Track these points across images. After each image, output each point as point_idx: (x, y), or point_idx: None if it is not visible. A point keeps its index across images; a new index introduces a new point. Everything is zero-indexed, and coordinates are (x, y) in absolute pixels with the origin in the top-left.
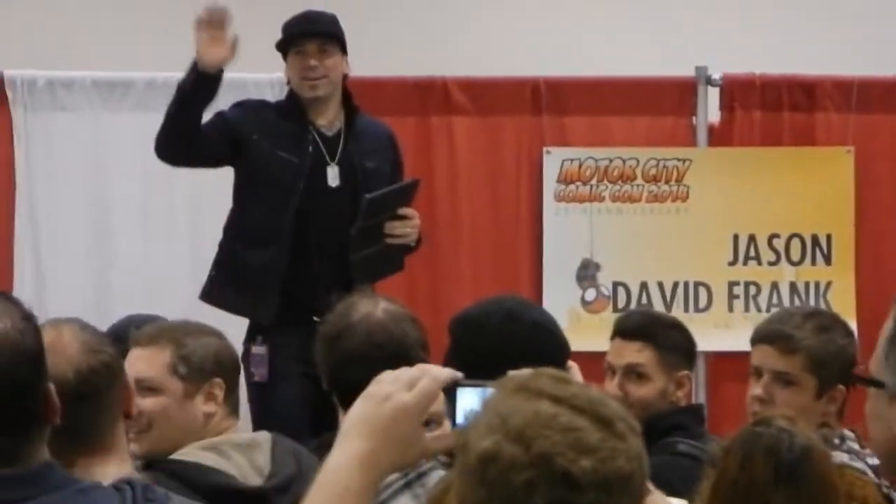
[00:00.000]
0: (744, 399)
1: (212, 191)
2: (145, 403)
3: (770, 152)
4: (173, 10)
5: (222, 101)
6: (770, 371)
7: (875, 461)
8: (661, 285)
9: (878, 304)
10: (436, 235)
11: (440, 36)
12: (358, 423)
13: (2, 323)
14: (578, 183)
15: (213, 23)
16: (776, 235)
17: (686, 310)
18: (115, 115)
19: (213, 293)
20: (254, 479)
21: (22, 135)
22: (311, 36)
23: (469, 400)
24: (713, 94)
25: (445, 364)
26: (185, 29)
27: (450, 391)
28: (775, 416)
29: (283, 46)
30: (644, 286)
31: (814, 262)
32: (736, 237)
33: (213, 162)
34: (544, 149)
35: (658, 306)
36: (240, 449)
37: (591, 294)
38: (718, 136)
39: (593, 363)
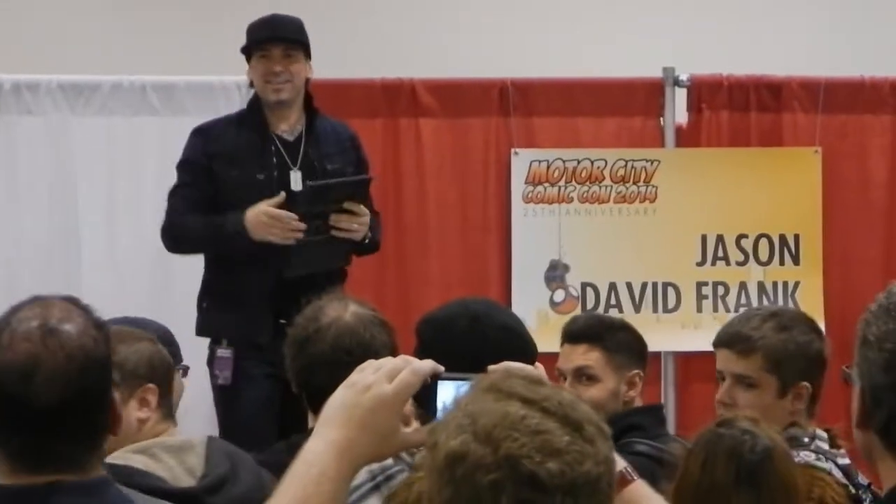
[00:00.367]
0: (712, 398)
1: None
2: None
3: (738, 153)
4: (140, 13)
5: (189, 105)
6: (731, 374)
7: (846, 461)
8: (629, 286)
9: (846, 303)
10: (404, 237)
11: (408, 38)
12: (337, 412)
13: (75, 330)
14: (546, 184)
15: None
16: (744, 236)
17: (655, 310)
18: (82, 118)
19: (210, 325)
20: (185, 481)
21: None
22: (276, 41)
23: (450, 393)
24: (680, 95)
25: None
26: (151, 31)
27: (431, 384)
28: (738, 416)
29: (248, 50)
30: (613, 287)
31: (782, 262)
32: (704, 238)
33: None
34: (512, 150)
35: (627, 307)
36: (171, 451)
37: (559, 295)
38: (686, 137)
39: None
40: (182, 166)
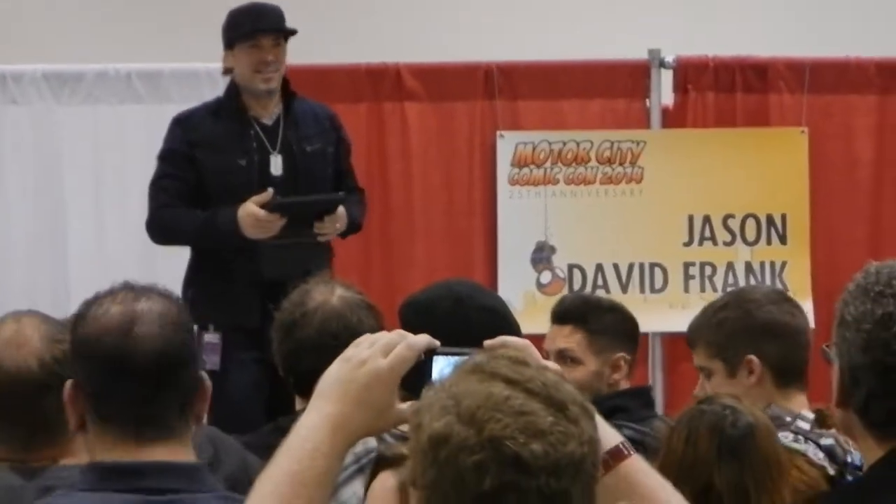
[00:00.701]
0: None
1: None
2: None
3: (724, 134)
4: (124, 2)
5: (174, 92)
6: (697, 368)
7: (829, 442)
8: (616, 267)
9: (834, 283)
10: (390, 221)
11: (392, 22)
12: (332, 386)
13: (159, 296)
14: (532, 166)
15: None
16: (731, 216)
17: (642, 291)
18: (66, 107)
19: (197, 311)
20: None
21: None
22: (267, 31)
23: (445, 368)
24: (666, 77)
25: None
26: (135, 20)
27: (426, 359)
28: (721, 394)
29: (233, 39)
30: (599, 268)
31: (769, 242)
32: (691, 218)
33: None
34: (498, 133)
35: (614, 288)
36: None
37: (546, 276)
38: (672, 119)
39: None
40: (164, 157)
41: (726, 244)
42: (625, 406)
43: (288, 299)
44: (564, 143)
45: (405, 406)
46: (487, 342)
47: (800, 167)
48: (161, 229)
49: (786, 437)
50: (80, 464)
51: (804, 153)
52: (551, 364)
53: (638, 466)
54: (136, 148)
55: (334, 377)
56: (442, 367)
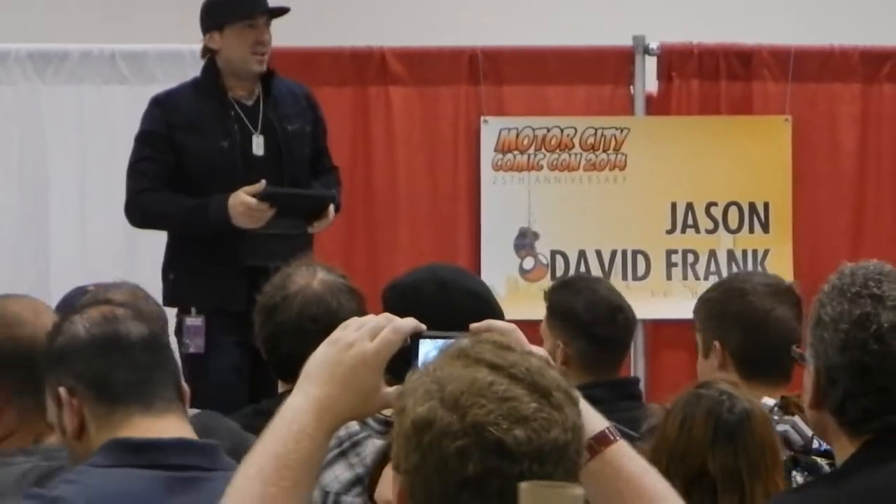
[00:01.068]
0: (683, 365)
1: None
2: None
3: (708, 121)
4: None
5: (159, 73)
6: None
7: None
8: (599, 253)
9: (816, 271)
10: (374, 205)
11: (377, 6)
12: (319, 369)
13: (134, 302)
14: (516, 152)
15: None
16: (714, 203)
17: (624, 278)
18: (51, 87)
19: (180, 295)
20: None
21: None
22: (263, 11)
23: (431, 352)
24: (650, 64)
25: None
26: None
27: (412, 342)
28: (717, 379)
29: (224, 20)
30: (582, 254)
31: (751, 229)
32: (674, 205)
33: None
34: (482, 118)
35: (596, 275)
36: None
37: (529, 263)
38: (656, 106)
39: (531, 331)
40: (142, 139)
41: (709, 232)
42: (600, 397)
43: (270, 282)
44: (548, 130)
45: (391, 390)
46: (473, 325)
47: (783, 155)
48: (142, 214)
49: None
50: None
51: (787, 141)
52: (538, 349)
53: (624, 452)
54: (120, 128)
55: (321, 360)
56: (428, 350)
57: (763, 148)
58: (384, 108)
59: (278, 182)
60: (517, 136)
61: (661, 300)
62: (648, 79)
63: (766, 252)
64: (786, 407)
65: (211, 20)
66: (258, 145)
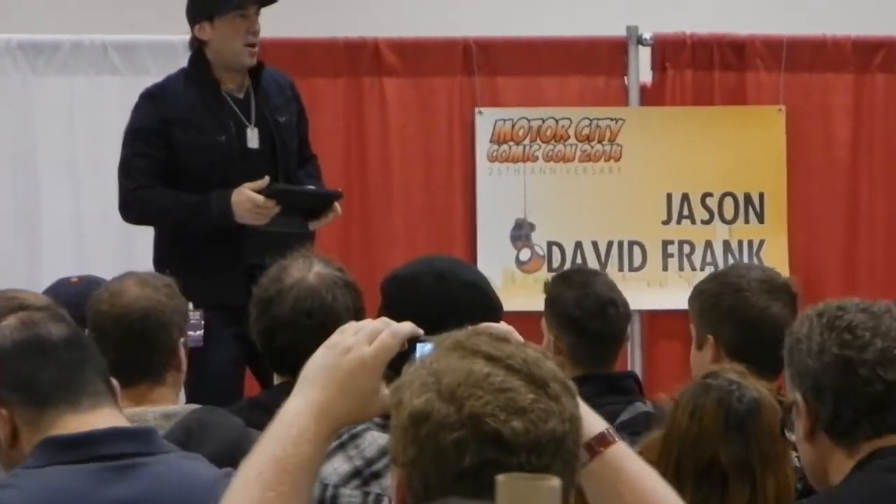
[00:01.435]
0: (679, 356)
1: None
2: None
3: (702, 111)
4: None
5: (151, 64)
6: None
7: None
8: (595, 245)
9: (811, 261)
10: (369, 197)
11: None
12: (317, 372)
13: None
14: (511, 143)
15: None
16: (709, 194)
17: (620, 269)
18: (42, 77)
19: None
20: None
21: None
22: (255, 0)
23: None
24: (644, 54)
25: None
26: None
27: (409, 346)
28: (725, 369)
29: (219, 9)
30: (578, 246)
31: (747, 220)
32: (669, 196)
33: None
34: (476, 109)
35: (592, 266)
36: None
37: (525, 254)
38: (650, 96)
39: (528, 323)
40: (135, 135)
41: (704, 223)
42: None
43: (266, 274)
44: (543, 121)
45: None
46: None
47: (777, 145)
48: (139, 210)
49: None
50: None
51: (781, 131)
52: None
53: (624, 452)
54: (112, 119)
55: (319, 364)
56: (425, 354)
57: (757, 138)
58: (378, 100)
59: (273, 174)
60: (512, 127)
61: (658, 291)
62: (642, 69)
63: (761, 242)
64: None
65: (201, 10)
66: (253, 138)
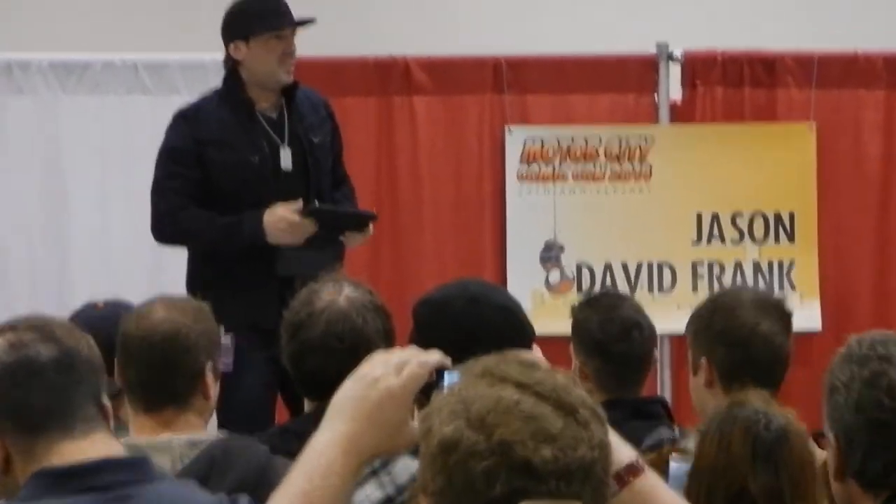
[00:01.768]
0: None
1: None
2: None
3: (732, 128)
4: None
5: (181, 83)
6: None
7: None
8: (625, 266)
9: (841, 281)
10: (398, 216)
11: (401, 15)
12: (346, 404)
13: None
14: (541, 162)
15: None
16: (739, 214)
17: (650, 290)
18: (73, 96)
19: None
20: None
21: None
22: (291, 22)
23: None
24: (674, 71)
25: None
26: (142, 10)
27: (437, 376)
28: (750, 397)
29: (251, 30)
30: (608, 267)
31: (777, 240)
32: (699, 216)
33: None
34: (506, 127)
35: (622, 288)
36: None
37: (555, 276)
38: (680, 113)
39: (557, 346)
40: (170, 155)
41: (734, 242)
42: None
43: (296, 298)
44: (573, 139)
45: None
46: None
47: (807, 163)
48: (172, 231)
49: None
50: None
51: (812, 148)
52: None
53: (653, 482)
54: (142, 139)
55: (347, 395)
56: (452, 382)
57: (788, 155)
58: (408, 118)
59: (305, 194)
60: (542, 146)
61: (688, 313)
62: (672, 86)
63: (791, 262)
64: (740, 405)
65: (236, 30)
66: (286, 158)
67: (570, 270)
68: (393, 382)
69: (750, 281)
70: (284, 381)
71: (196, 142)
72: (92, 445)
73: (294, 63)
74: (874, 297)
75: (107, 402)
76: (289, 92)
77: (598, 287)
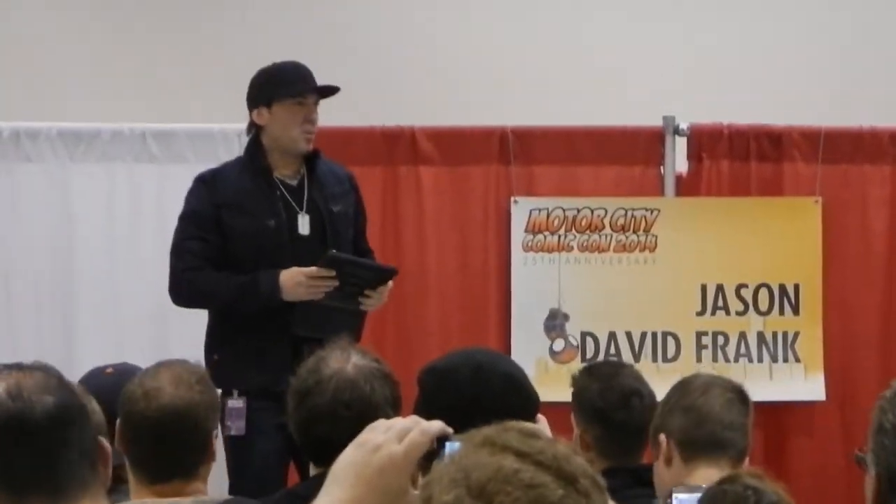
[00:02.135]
0: None
1: None
2: None
3: (738, 202)
4: (140, 61)
5: (188, 152)
6: None
7: None
8: (629, 335)
9: (845, 354)
10: (403, 285)
11: (407, 85)
12: (346, 470)
13: (45, 376)
14: (546, 233)
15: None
16: (744, 285)
17: (654, 360)
18: (81, 165)
19: (224, 376)
20: None
21: None
22: (314, 90)
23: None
24: (681, 144)
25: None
26: (151, 80)
27: (439, 445)
28: (742, 473)
29: (278, 95)
30: (612, 336)
31: (781, 311)
32: (704, 287)
33: None
34: (512, 198)
35: (626, 356)
36: None
37: (559, 344)
38: (686, 186)
39: (561, 414)
40: (188, 218)
41: (739, 314)
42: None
43: (303, 365)
44: (579, 210)
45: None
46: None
47: (813, 237)
48: (190, 292)
49: None
50: None
51: (818, 222)
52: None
53: None
54: (150, 207)
55: (348, 462)
56: (453, 451)
57: (793, 229)
58: (414, 188)
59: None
60: (547, 216)
61: None
62: (679, 159)
63: (796, 334)
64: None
65: (260, 95)
66: (304, 225)
67: (575, 339)
68: (395, 449)
69: (754, 352)
70: (296, 447)
71: (214, 206)
72: None
73: (315, 132)
74: (879, 368)
75: (103, 468)
76: (310, 160)
77: (602, 356)
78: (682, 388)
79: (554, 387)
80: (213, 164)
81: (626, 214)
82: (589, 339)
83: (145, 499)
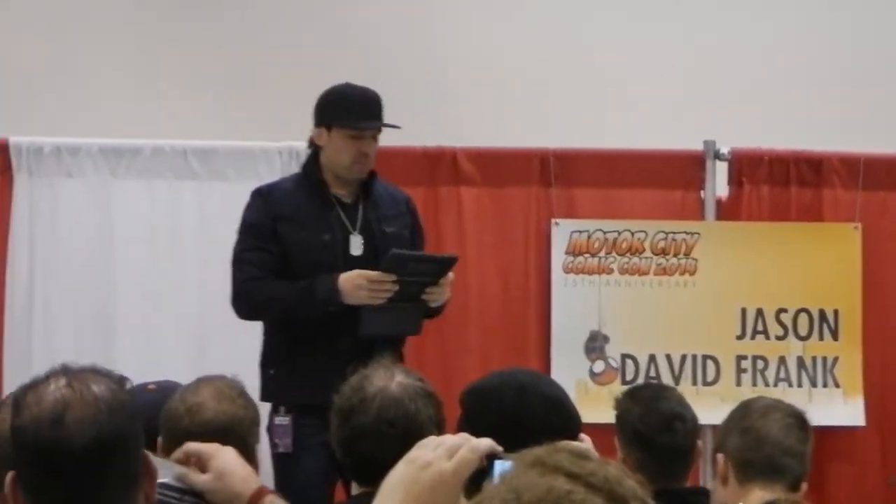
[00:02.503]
0: None
1: (220, 258)
2: None
3: (778, 227)
4: (181, 77)
5: (229, 170)
6: None
7: None
8: (669, 358)
9: (885, 379)
10: (444, 306)
11: (450, 106)
12: (396, 486)
13: (96, 378)
14: (587, 255)
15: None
16: (784, 310)
17: (694, 383)
18: (122, 181)
19: (277, 391)
20: None
21: (26, 201)
22: (371, 126)
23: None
24: (721, 169)
25: None
26: (192, 95)
27: (488, 463)
28: (781, 499)
29: (337, 122)
30: (652, 358)
31: (821, 337)
32: (744, 311)
33: None
34: (553, 220)
35: (666, 379)
36: None
37: (599, 366)
38: (726, 211)
39: (601, 435)
40: (247, 230)
41: (779, 338)
42: None
43: (347, 383)
44: (619, 233)
45: None
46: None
47: (853, 263)
48: (250, 301)
49: None
50: None
51: (857, 248)
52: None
53: None
54: (190, 223)
55: (398, 478)
56: (504, 471)
57: (833, 255)
58: (455, 209)
59: None
60: (588, 238)
61: (731, 406)
62: (719, 184)
63: (835, 359)
64: None
65: (322, 116)
66: (356, 245)
67: (615, 361)
68: (445, 466)
69: (794, 376)
70: (342, 465)
71: (271, 218)
72: None
73: (371, 164)
74: None
75: (151, 485)
76: (367, 182)
77: (641, 378)
78: (744, 410)
79: (594, 408)
80: (253, 182)
81: (666, 238)
82: (629, 362)
83: None
